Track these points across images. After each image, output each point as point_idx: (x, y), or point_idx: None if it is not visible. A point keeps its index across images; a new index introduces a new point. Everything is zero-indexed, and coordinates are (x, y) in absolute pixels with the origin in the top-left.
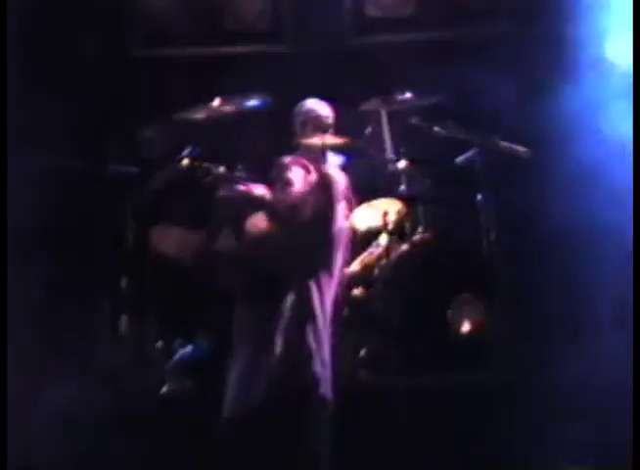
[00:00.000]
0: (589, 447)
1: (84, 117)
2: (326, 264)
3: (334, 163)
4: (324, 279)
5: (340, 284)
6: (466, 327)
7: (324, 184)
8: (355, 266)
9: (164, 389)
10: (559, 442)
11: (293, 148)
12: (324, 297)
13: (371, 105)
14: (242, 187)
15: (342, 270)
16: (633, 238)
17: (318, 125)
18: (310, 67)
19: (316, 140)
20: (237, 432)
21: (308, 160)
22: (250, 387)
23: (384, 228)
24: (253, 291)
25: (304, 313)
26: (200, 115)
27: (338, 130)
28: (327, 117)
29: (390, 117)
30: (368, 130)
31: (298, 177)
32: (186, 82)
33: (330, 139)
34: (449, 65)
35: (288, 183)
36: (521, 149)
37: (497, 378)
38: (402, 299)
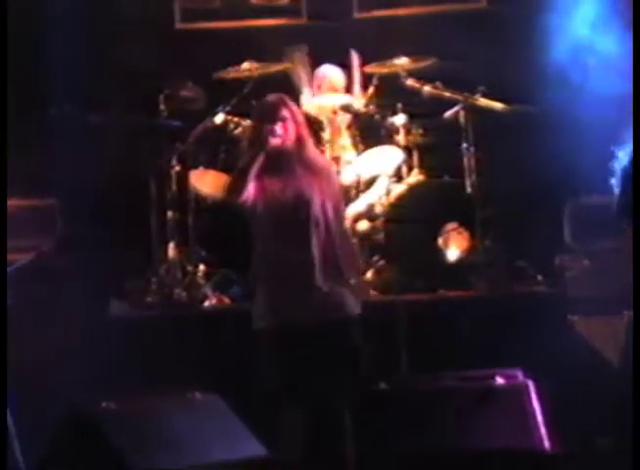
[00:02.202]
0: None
1: (138, 79)
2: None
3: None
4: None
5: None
6: (453, 252)
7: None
8: (360, 204)
9: (206, 303)
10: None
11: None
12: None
13: (372, 68)
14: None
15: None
16: (633, 237)
17: (331, 88)
18: (324, 37)
19: (327, 99)
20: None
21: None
22: (285, 300)
23: (384, 172)
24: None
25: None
26: (231, 75)
27: (348, 92)
28: (339, 79)
29: (389, 78)
30: (370, 90)
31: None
32: (220, 50)
33: (341, 98)
34: (439, 35)
35: (282, 119)
36: (498, 105)
37: (479, 295)
38: (400, 230)
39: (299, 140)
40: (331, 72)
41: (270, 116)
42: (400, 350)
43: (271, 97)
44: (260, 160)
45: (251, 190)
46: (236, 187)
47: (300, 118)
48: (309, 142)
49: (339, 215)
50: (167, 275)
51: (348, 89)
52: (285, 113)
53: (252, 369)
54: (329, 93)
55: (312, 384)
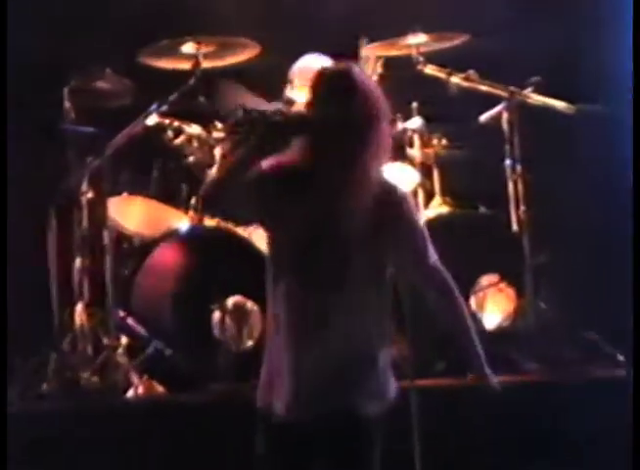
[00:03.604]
0: None
1: (29, 65)
2: None
3: None
4: None
5: None
6: (491, 318)
7: None
8: None
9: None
10: None
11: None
12: None
13: (375, 49)
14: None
15: None
16: (633, 238)
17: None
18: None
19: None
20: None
21: None
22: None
23: None
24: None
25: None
26: (170, 63)
27: None
28: None
29: (400, 64)
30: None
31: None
32: (155, 20)
33: None
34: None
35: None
36: (558, 103)
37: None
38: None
39: None
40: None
41: None
42: (413, 456)
43: None
44: None
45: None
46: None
47: None
48: None
49: None
50: (73, 351)
51: None
52: None
53: None
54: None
55: None
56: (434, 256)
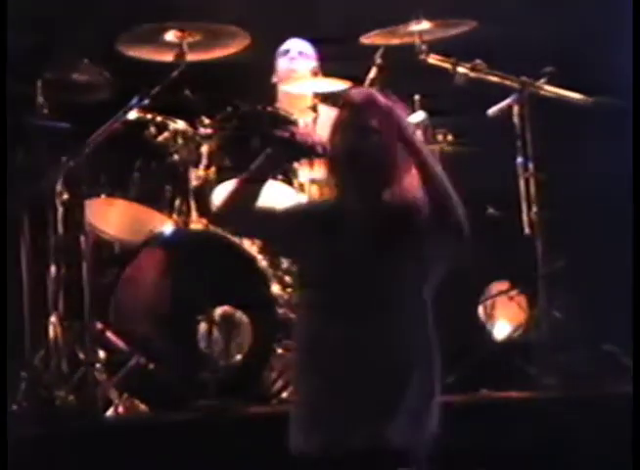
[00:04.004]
0: None
1: None
2: None
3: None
4: None
5: None
6: (502, 328)
7: None
8: None
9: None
10: None
11: (271, 99)
12: None
13: (373, 38)
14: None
15: None
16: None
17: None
18: None
19: (301, 87)
20: None
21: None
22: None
23: None
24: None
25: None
26: (152, 53)
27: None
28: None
29: (401, 53)
30: (371, 73)
31: None
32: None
33: (323, 85)
34: None
35: None
36: (573, 95)
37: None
38: None
39: None
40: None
41: None
42: None
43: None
44: None
45: None
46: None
47: None
48: None
49: None
50: (46, 367)
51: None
52: None
53: None
54: (302, 79)
55: None
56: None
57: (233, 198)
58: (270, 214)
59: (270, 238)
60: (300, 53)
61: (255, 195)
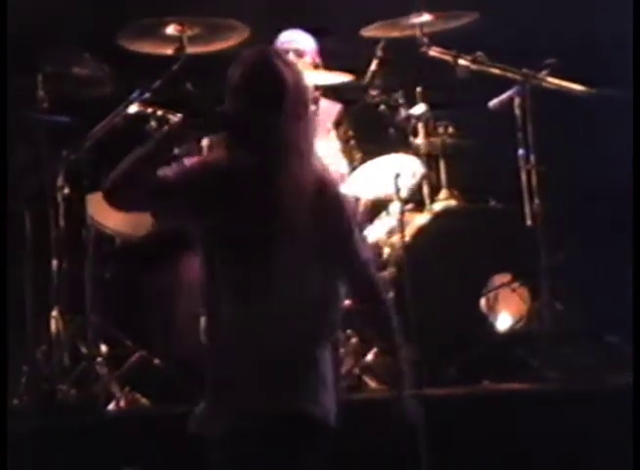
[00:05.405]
0: None
1: None
2: None
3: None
4: None
5: None
6: (504, 320)
7: None
8: None
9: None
10: None
11: None
12: None
13: (374, 30)
14: None
15: None
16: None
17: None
18: None
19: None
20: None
21: None
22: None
23: (395, 194)
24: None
25: None
26: (152, 46)
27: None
28: (305, 50)
29: (402, 46)
30: (372, 66)
31: None
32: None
33: (324, 77)
34: None
35: None
36: (575, 87)
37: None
38: (420, 286)
39: None
40: (296, 40)
41: None
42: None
43: None
44: None
45: None
46: None
47: None
48: None
49: None
50: (47, 361)
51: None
52: None
53: None
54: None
55: None
56: (367, 253)
57: (129, 175)
58: (165, 180)
59: (172, 205)
60: (296, 47)
61: (152, 171)
